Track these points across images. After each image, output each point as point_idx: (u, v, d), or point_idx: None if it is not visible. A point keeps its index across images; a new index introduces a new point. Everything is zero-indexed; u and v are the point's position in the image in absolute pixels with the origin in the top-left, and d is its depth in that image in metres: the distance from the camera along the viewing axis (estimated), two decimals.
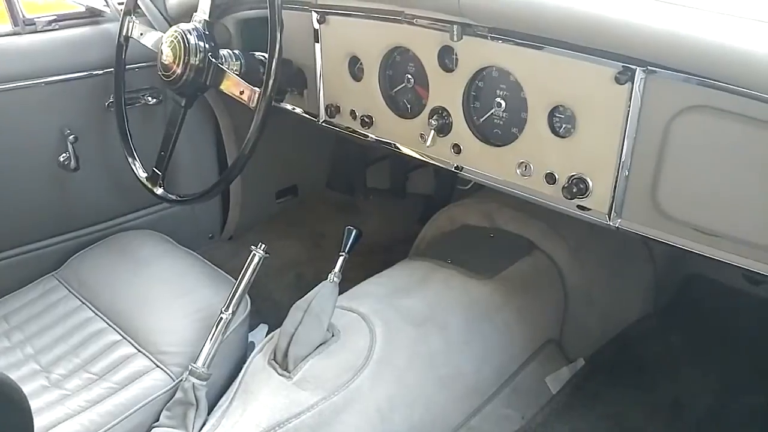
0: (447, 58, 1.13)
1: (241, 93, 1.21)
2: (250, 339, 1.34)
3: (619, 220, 0.98)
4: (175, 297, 1.29)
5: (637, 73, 0.89)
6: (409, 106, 1.25)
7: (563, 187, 1.02)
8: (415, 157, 1.25)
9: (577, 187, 1.00)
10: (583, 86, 0.95)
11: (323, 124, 1.41)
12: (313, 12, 1.31)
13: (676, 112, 0.87)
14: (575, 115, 0.98)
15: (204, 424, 1.07)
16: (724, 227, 0.88)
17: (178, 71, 1.25)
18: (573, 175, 1.01)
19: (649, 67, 0.87)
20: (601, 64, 0.92)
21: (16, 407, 0.94)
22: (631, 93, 0.90)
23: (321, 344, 1.10)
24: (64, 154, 1.48)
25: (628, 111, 0.91)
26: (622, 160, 0.94)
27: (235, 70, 1.32)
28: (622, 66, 0.89)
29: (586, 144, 0.98)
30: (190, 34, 1.24)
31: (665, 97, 0.88)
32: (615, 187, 0.96)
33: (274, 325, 1.17)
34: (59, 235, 1.55)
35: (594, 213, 1.01)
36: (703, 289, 1.60)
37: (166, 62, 1.26)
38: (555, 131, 1.02)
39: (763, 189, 0.82)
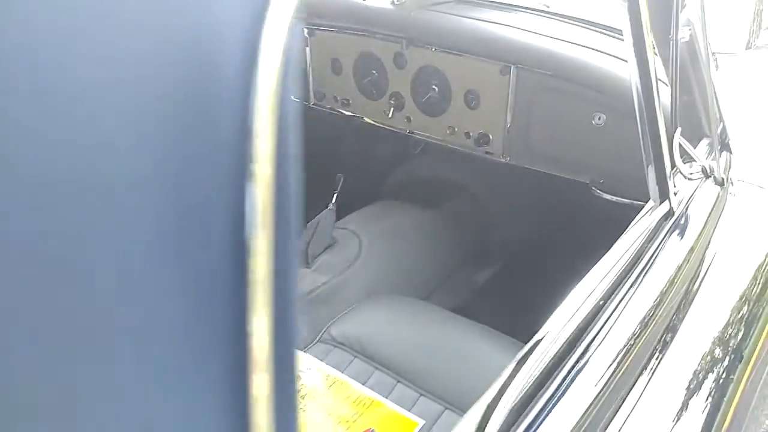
0: (400, 60, 1.71)
1: None
2: None
3: (508, 158, 1.61)
4: None
5: (512, 68, 1.50)
6: (374, 91, 1.82)
7: (474, 140, 1.63)
8: (380, 126, 1.85)
9: (483, 140, 1.62)
10: (484, 77, 1.56)
11: (313, 105, 1.98)
12: (304, 28, 1.88)
13: (536, 91, 1.50)
14: (480, 95, 1.59)
15: None
16: (563, 155, 1.52)
17: None
18: (481, 132, 1.62)
19: (519, 65, 1.49)
20: (492, 64, 1.53)
21: None
22: (510, 81, 1.51)
23: (327, 247, 1.70)
24: None
25: (509, 91, 1.53)
26: (508, 121, 1.56)
27: None
28: (504, 65, 1.51)
29: (488, 113, 1.60)
30: None
31: (529, 83, 1.50)
32: (504, 138, 1.59)
33: None
34: None
35: (494, 155, 1.63)
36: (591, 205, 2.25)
37: None
38: (469, 105, 1.63)
39: (578, 130, 1.46)
